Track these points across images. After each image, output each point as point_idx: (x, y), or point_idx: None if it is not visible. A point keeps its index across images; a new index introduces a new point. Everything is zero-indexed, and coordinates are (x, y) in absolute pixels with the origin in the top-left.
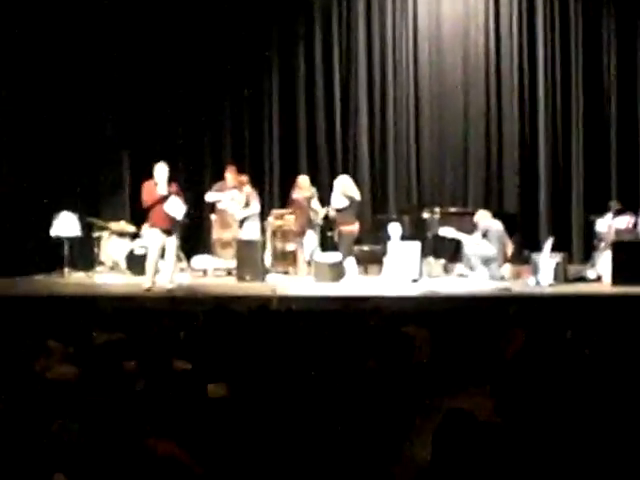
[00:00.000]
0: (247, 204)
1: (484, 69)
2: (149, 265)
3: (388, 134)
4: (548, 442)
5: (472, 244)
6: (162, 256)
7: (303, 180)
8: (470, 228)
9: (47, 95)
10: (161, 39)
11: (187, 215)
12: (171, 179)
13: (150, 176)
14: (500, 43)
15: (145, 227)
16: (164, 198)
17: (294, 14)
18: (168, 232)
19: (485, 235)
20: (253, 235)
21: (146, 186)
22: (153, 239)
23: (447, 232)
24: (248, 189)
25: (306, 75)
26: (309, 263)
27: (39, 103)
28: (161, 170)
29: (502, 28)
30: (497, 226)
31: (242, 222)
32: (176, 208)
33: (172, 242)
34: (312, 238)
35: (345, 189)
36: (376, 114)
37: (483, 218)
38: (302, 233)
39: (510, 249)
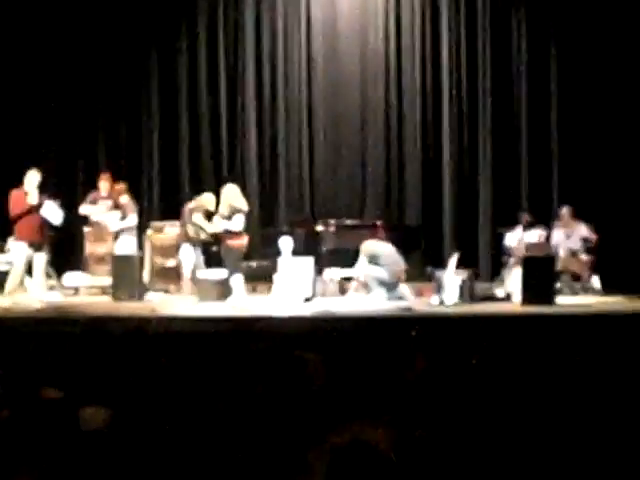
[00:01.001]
0: (124, 216)
1: (383, 71)
2: (12, 281)
3: (278, 140)
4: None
5: (363, 269)
6: (29, 272)
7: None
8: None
9: None
10: (38, 50)
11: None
12: (43, 190)
13: (19, 184)
14: (401, 43)
15: (10, 240)
16: (34, 208)
17: (177, 15)
18: (36, 246)
19: (373, 261)
20: (130, 250)
21: (14, 195)
22: (19, 253)
23: (333, 274)
24: (125, 199)
25: (189, 76)
26: (192, 280)
27: None
28: (32, 178)
29: (403, 26)
30: (387, 249)
31: (117, 235)
32: (53, 213)
33: (40, 257)
34: (190, 253)
35: (231, 199)
36: (265, 118)
37: (367, 246)
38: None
39: (403, 270)
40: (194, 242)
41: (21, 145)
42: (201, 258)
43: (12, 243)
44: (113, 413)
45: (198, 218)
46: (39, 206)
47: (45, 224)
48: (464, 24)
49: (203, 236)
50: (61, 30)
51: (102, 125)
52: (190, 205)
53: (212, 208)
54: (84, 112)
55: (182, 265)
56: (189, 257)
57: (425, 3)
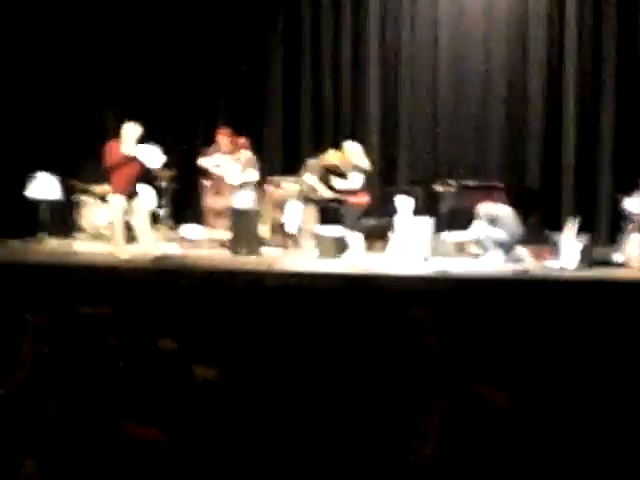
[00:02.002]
0: (243, 170)
1: (506, 29)
2: (116, 234)
3: (401, 97)
4: (561, 435)
5: (481, 230)
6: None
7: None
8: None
9: (29, 48)
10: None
11: (151, 182)
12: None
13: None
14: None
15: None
16: (129, 159)
17: None
18: (132, 197)
19: (492, 222)
20: (249, 204)
21: (109, 146)
22: (115, 206)
23: (451, 237)
24: (247, 154)
25: (312, 30)
26: (293, 235)
27: (19, 56)
28: (130, 130)
29: None
30: (505, 211)
31: (237, 190)
32: (151, 155)
33: (139, 207)
34: (295, 210)
35: (352, 157)
36: (389, 76)
37: (485, 208)
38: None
39: (520, 233)
40: (307, 200)
41: (141, 99)
42: (313, 216)
43: (109, 196)
44: (223, 371)
45: (311, 179)
46: (132, 157)
47: (141, 172)
48: None
49: (316, 196)
50: None
51: (223, 80)
52: (310, 162)
53: (334, 164)
54: (205, 66)
55: (286, 220)
56: (295, 214)
57: None
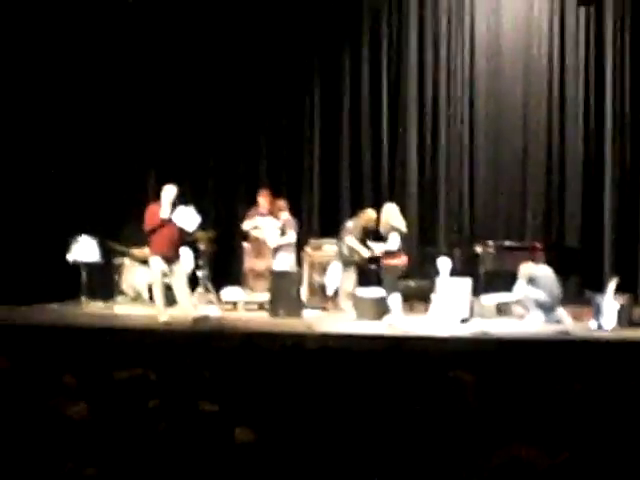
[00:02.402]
0: (283, 232)
1: (546, 89)
2: (156, 297)
3: (439, 159)
4: None
5: (521, 291)
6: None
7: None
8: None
9: (69, 110)
10: (196, 58)
11: (190, 244)
12: (180, 203)
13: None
14: (564, 61)
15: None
16: (166, 221)
17: (340, 33)
18: (170, 259)
19: (531, 283)
20: (288, 266)
21: (150, 209)
22: (154, 268)
23: (491, 299)
24: (285, 216)
25: (351, 93)
26: (332, 298)
27: (61, 119)
28: (168, 192)
29: (567, 45)
30: (545, 271)
31: (276, 252)
32: (186, 219)
33: (178, 269)
34: (337, 271)
35: (390, 218)
36: (427, 136)
37: (526, 268)
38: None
39: (559, 293)
40: (346, 262)
41: (182, 162)
42: (352, 278)
43: (150, 257)
44: (261, 434)
45: (352, 241)
46: (170, 220)
47: (180, 235)
48: (629, 42)
49: (356, 258)
50: (227, 47)
51: (264, 142)
52: (348, 224)
53: (372, 225)
54: (246, 129)
55: (327, 282)
56: (335, 275)
57: (590, 20)
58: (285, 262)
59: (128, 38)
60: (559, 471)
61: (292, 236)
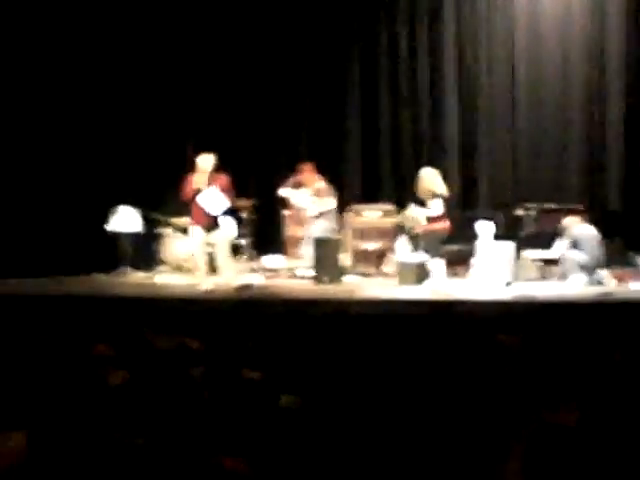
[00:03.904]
0: (322, 199)
1: (585, 50)
2: (198, 265)
3: (480, 122)
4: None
5: (563, 252)
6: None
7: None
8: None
9: (108, 81)
10: (237, 30)
11: (232, 212)
12: (221, 172)
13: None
14: (605, 19)
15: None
16: (200, 192)
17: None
18: (211, 228)
19: (575, 245)
20: (329, 233)
21: (188, 179)
22: (195, 237)
23: (532, 255)
24: (322, 184)
25: (390, 57)
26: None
27: (99, 90)
28: (204, 161)
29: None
30: (588, 233)
31: (316, 219)
32: (211, 202)
33: (220, 238)
34: (404, 241)
35: (430, 183)
36: (467, 99)
37: (572, 225)
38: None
39: (602, 255)
40: (409, 231)
41: (222, 130)
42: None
43: (190, 227)
44: (305, 400)
45: (414, 210)
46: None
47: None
48: None
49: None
50: (268, 21)
51: (304, 110)
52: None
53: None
54: (287, 97)
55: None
56: (405, 246)
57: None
58: (326, 229)
59: (171, 12)
60: (595, 435)
61: (331, 202)
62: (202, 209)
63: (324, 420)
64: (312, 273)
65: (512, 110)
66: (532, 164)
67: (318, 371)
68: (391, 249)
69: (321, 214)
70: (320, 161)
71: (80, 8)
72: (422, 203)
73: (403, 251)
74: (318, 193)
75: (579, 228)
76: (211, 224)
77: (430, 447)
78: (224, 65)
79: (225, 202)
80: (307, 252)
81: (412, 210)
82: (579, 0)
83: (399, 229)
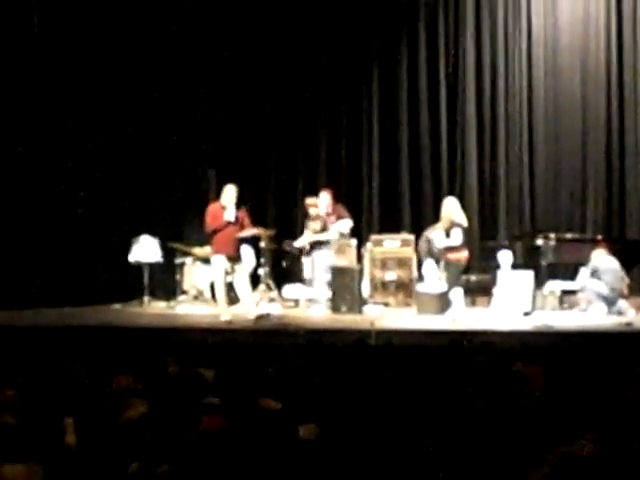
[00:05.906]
0: (323, 229)
1: (605, 84)
2: (218, 295)
3: (499, 152)
4: None
5: (584, 283)
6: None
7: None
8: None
9: (130, 111)
10: (257, 56)
11: (252, 242)
12: (240, 203)
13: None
14: (622, 56)
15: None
16: (230, 224)
17: (397, 29)
18: (233, 258)
19: (594, 274)
20: (348, 262)
21: (211, 209)
22: (217, 266)
23: (553, 286)
24: (338, 208)
25: (409, 88)
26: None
27: (121, 120)
28: (229, 192)
29: (625, 40)
30: (609, 263)
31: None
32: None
33: (240, 268)
34: (431, 267)
35: (450, 213)
36: (486, 131)
37: (595, 257)
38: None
39: (626, 285)
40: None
41: (242, 161)
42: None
43: (212, 257)
44: (323, 430)
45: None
46: (234, 222)
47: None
48: None
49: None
50: (287, 45)
51: (323, 140)
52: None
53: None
54: (305, 127)
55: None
56: (432, 271)
57: None
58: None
59: (190, 33)
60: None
61: (347, 223)
62: (227, 239)
63: (343, 450)
64: (330, 303)
65: (530, 140)
66: (551, 195)
67: (335, 401)
68: (411, 279)
69: (320, 244)
70: (339, 192)
71: (98, 39)
72: (446, 233)
73: (430, 276)
74: (335, 216)
75: (600, 259)
76: (232, 254)
77: (450, 478)
78: (243, 95)
79: (251, 229)
80: (319, 281)
81: (435, 234)
82: (597, 34)
83: (424, 253)
